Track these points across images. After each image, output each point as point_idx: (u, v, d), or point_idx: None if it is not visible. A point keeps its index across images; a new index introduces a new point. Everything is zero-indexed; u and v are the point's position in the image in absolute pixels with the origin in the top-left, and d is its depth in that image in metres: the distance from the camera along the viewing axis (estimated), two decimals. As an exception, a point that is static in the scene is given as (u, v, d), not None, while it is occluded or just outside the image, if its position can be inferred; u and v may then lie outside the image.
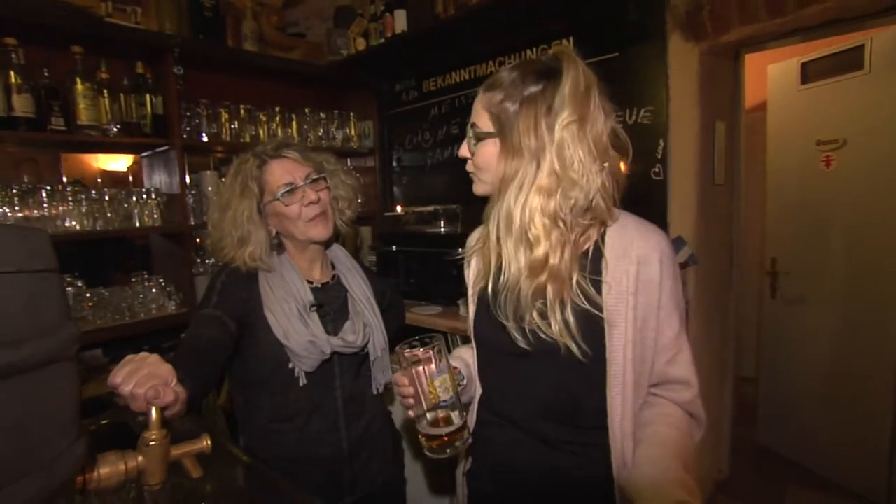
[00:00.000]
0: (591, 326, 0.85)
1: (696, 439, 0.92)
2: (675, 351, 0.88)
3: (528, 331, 0.88)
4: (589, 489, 0.91)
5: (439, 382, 0.87)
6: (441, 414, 0.88)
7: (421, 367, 0.87)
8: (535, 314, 0.85)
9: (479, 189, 0.96)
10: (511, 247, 0.85)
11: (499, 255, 0.95)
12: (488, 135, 0.89)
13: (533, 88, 0.84)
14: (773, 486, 2.35)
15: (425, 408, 0.88)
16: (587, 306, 0.84)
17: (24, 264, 0.44)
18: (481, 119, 0.90)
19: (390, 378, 1.37)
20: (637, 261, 0.86)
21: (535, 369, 0.91)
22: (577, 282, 0.85)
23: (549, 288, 0.84)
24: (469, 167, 0.96)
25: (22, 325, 0.43)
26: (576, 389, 0.88)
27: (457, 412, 0.89)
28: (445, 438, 0.88)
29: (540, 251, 0.83)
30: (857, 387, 2.20)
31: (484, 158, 0.91)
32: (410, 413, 0.92)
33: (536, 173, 0.83)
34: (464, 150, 0.95)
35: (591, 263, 0.88)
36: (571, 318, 0.84)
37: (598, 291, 0.86)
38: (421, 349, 0.89)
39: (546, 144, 0.82)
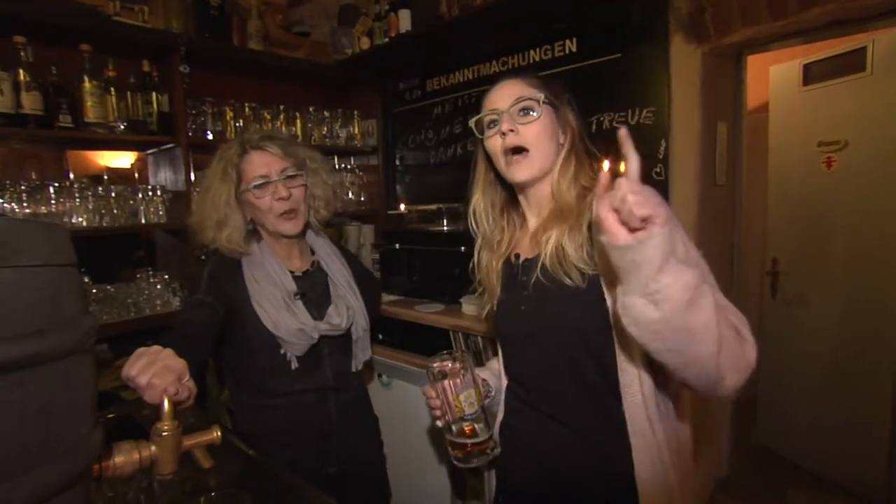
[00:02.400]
0: (595, 290, 0.88)
1: (748, 354, 0.74)
2: None
3: (538, 305, 0.93)
4: (613, 477, 0.91)
5: (464, 397, 0.91)
6: (466, 426, 0.92)
7: (447, 382, 0.92)
8: (555, 269, 0.90)
9: (530, 170, 0.94)
10: (565, 195, 0.92)
11: (512, 239, 1.04)
12: (546, 101, 0.94)
13: (556, 82, 0.99)
14: (773, 486, 2.36)
15: (451, 420, 0.92)
16: (588, 266, 0.88)
17: (50, 258, 0.45)
18: (531, 92, 0.94)
19: (369, 356, 1.47)
20: None
21: (546, 347, 0.94)
22: (582, 235, 0.90)
23: (565, 236, 0.90)
24: (515, 140, 0.93)
25: (47, 316, 0.45)
26: (582, 360, 0.90)
27: (482, 424, 0.92)
28: (470, 448, 0.92)
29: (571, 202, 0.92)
30: (856, 387, 2.22)
31: (539, 130, 0.93)
32: (439, 423, 0.96)
33: (578, 143, 0.97)
34: (510, 123, 0.93)
35: (587, 221, 0.91)
36: (577, 276, 0.88)
37: (593, 256, 0.89)
38: (448, 364, 0.93)
39: (572, 119, 0.98)
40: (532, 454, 0.97)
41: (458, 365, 0.93)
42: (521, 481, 1.01)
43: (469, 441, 0.91)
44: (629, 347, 0.87)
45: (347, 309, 1.35)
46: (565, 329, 0.91)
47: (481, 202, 1.06)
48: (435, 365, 0.94)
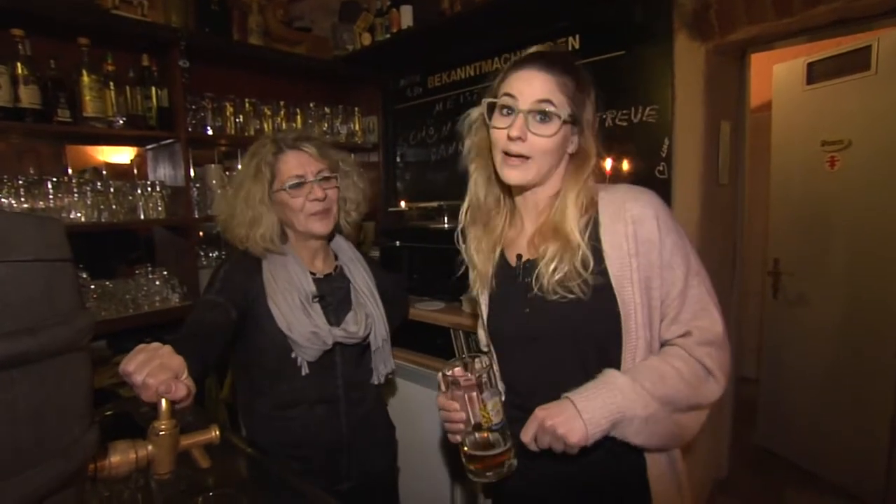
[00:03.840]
0: (603, 296, 0.86)
1: (709, 394, 0.85)
2: (679, 308, 0.87)
3: (543, 308, 0.90)
4: (618, 484, 0.90)
5: (492, 406, 0.84)
6: (492, 437, 0.85)
7: (474, 393, 0.84)
8: (554, 284, 0.87)
9: (524, 176, 0.90)
10: (568, 221, 0.89)
11: (504, 224, 1.01)
12: (568, 120, 0.87)
13: (590, 84, 0.91)
14: (772, 487, 2.36)
15: (474, 431, 0.85)
16: (594, 276, 0.86)
17: (42, 253, 0.44)
18: (558, 98, 0.87)
19: (391, 369, 1.41)
20: (632, 221, 0.87)
21: (552, 351, 0.91)
22: (584, 250, 0.87)
23: (567, 260, 0.87)
24: (520, 149, 0.87)
25: (39, 313, 0.43)
26: (593, 366, 0.88)
27: (507, 434, 0.86)
28: (493, 461, 0.85)
29: (569, 222, 0.89)
30: (856, 389, 2.21)
31: (548, 145, 0.87)
32: (457, 437, 0.89)
33: (590, 147, 0.91)
34: (520, 130, 0.86)
35: (592, 229, 0.89)
36: (584, 289, 0.86)
37: (602, 259, 0.87)
38: (474, 374, 0.85)
39: (592, 122, 0.92)
40: (535, 461, 0.93)
41: (483, 375, 0.85)
42: (518, 487, 0.98)
43: (491, 453, 0.84)
44: (637, 348, 0.87)
45: (367, 317, 1.31)
46: (576, 332, 0.89)
47: (480, 170, 1.00)
48: (457, 374, 0.86)
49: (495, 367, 1.06)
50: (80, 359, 0.50)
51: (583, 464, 0.88)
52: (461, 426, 0.87)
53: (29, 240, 0.43)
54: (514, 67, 0.91)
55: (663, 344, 0.90)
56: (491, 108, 0.92)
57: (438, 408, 0.92)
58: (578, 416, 0.80)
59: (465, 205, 1.04)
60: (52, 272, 0.46)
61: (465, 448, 0.87)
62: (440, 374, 0.90)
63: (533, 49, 0.94)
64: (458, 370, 0.88)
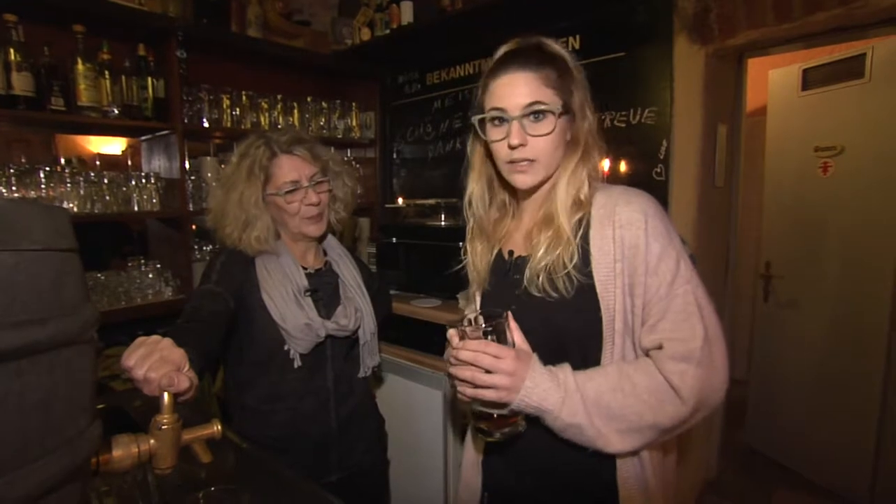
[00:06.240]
0: (587, 299, 0.86)
1: (671, 414, 0.81)
2: (659, 315, 0.83)
3: (529, 305, 0.90)
4: (595, 475, 0.90)
5: None
6: None
7: (492, 342, 0.82)
8: (543, 281, 0.87)
9: (534, 179, 0.90)
10: (559, 209, 0.89)
11: (506, 227, 1.01)
12: (562, 111, 0.85)
13: (573, 63, 0.89)
14: (761, 488, 2.38)
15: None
16: (580, 276, 0.85)
17: (51, 243, 0.43)
18: (546, 95, 0.85)
19: (377, 362, 1.44)
20: (619, 225, 0.85)
21: (535, 348, 0.90)
22: (573, 243, 0.87)
23: (557, 250, 0.87)
24: (524, 154, 0.87)
25: (48, 303, 0.42)
26: (575, 363, 0.87)
27: None
28: (500, 421, 0.83)
29: (564, 218, 0.88)
30: (844, 391, 2.24)
31: (550, 143, 0.86)
32: (466, 392, 0.84)
33: (587, 139, 0.90)
34: (520, 137, 0.85)
35: (583, 230, 0.89)
36: (568, 286, 0.86)
37: (589, 261, 0.86)
38: (490, 328, 0.82)
39: (587, 111, 0.90)
40: (516, 453, 0.95)
41: (500, 328, 0.82)
42: (507, 479, 0.99)
43: (500, 413, 0.82)
44: (615, 353, 0.86)
45: (356, 311, 1.34)
46: (556, 332, 0.89)
47: (477, 190, 1.01)
48: (461, 326, 0.83)
49: (513, 324, 1.03)
50: (86, 351, 0.49)
51: (565, 460, 0.89)
52: (469, 374, 0.83)
53: (38, 228, 0.42)
54: (492, 75, 0.89)
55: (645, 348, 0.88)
56: (482, 122, 0.92)
57: (450, 363, 0.87)
58: (523, 381, 0.80)
59: (471, 230, 1.05)
60: (60, 262, 0.45)
61: (476, 406, 0.85)
62: (450, 329, 0.86)
63: (502, 50, 0.91)
64: (469, 321, 0.85)
